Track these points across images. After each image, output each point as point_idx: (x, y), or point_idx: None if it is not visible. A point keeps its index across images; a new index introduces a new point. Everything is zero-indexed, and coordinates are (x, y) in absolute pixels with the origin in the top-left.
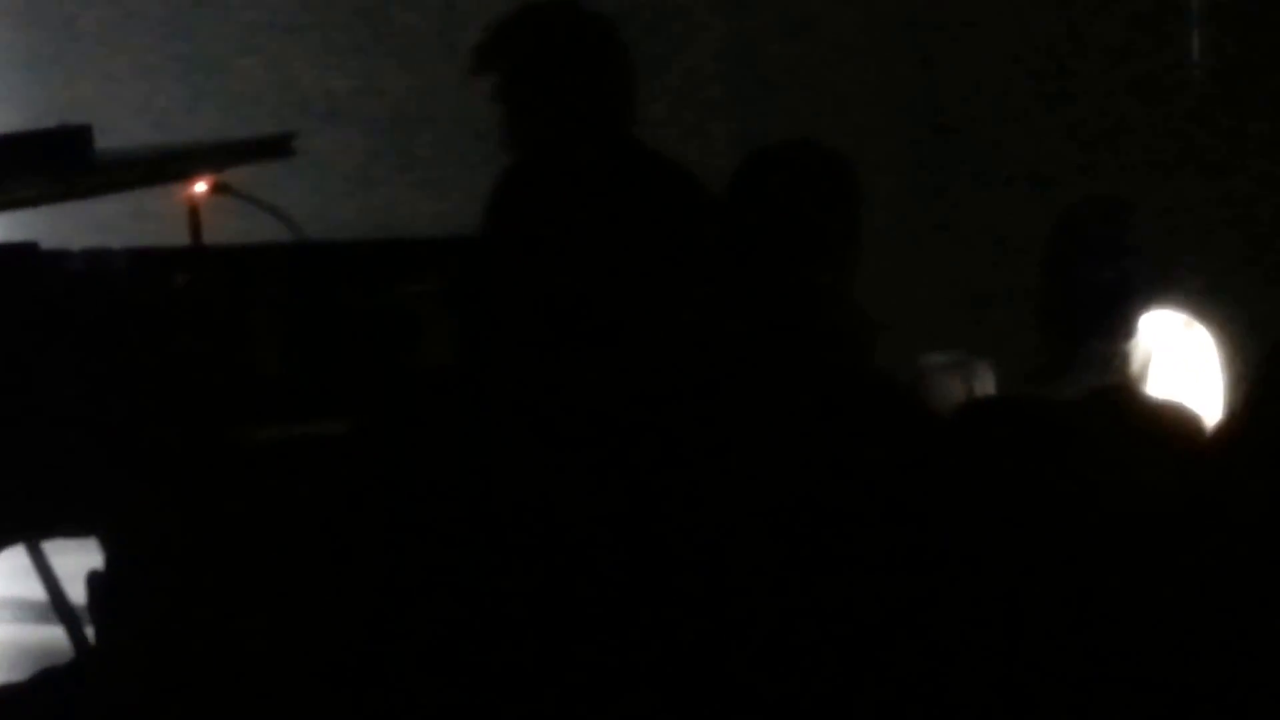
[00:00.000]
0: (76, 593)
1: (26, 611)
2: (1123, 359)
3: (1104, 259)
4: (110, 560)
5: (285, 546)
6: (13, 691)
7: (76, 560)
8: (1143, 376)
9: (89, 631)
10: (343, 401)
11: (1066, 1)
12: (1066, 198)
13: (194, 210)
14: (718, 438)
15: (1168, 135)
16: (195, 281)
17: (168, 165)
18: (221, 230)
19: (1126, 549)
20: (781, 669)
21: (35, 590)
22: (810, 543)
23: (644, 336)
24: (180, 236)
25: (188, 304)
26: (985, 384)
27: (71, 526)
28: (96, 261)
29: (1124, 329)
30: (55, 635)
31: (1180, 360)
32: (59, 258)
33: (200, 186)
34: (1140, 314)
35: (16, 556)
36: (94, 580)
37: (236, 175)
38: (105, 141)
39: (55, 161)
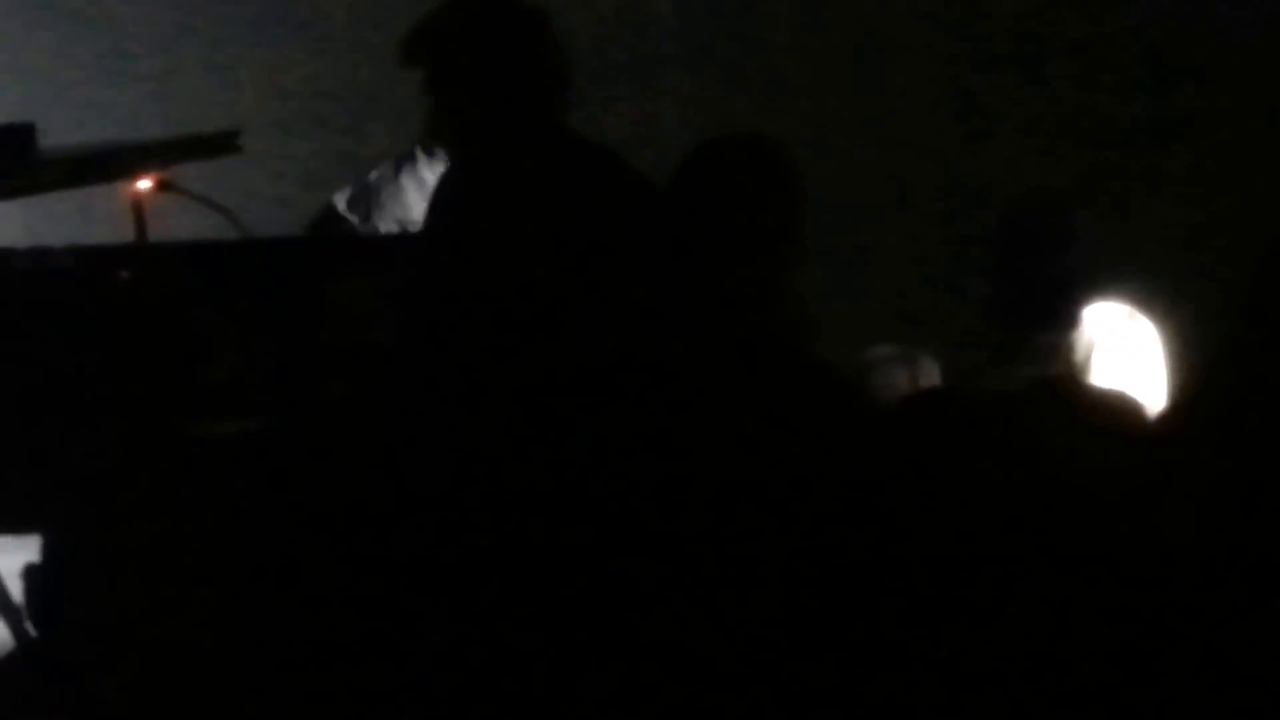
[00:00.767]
0: (15, 589)
1: None
2: (1067, 350)
3: (1048, 251)
4: (47, 555)
5: (224, 541)
6: None
7: (14, 559)
8: (1087, 367)
9: (28, 626)
10: (287, 397)
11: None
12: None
13: (139, 208)
14: (661, 430)
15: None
16: (139, 278)
17: (112, 163)
18: (169, 228)
19: (1070, 537)
20: (718, 655)
21: None
22: (754, 533)
23: (585, 331)
24: (125, 234)
25: (132, 301)
26: (929, 376)
27: (10, 524)
28: (40, 260)
29: (1068, 320)
30: None
31: (1123, 350)
32: (2, 256)
33: (145, 184)
34: (1084, 305)
35: None
36: (31, 575)
37: (185, 172)
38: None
39: None
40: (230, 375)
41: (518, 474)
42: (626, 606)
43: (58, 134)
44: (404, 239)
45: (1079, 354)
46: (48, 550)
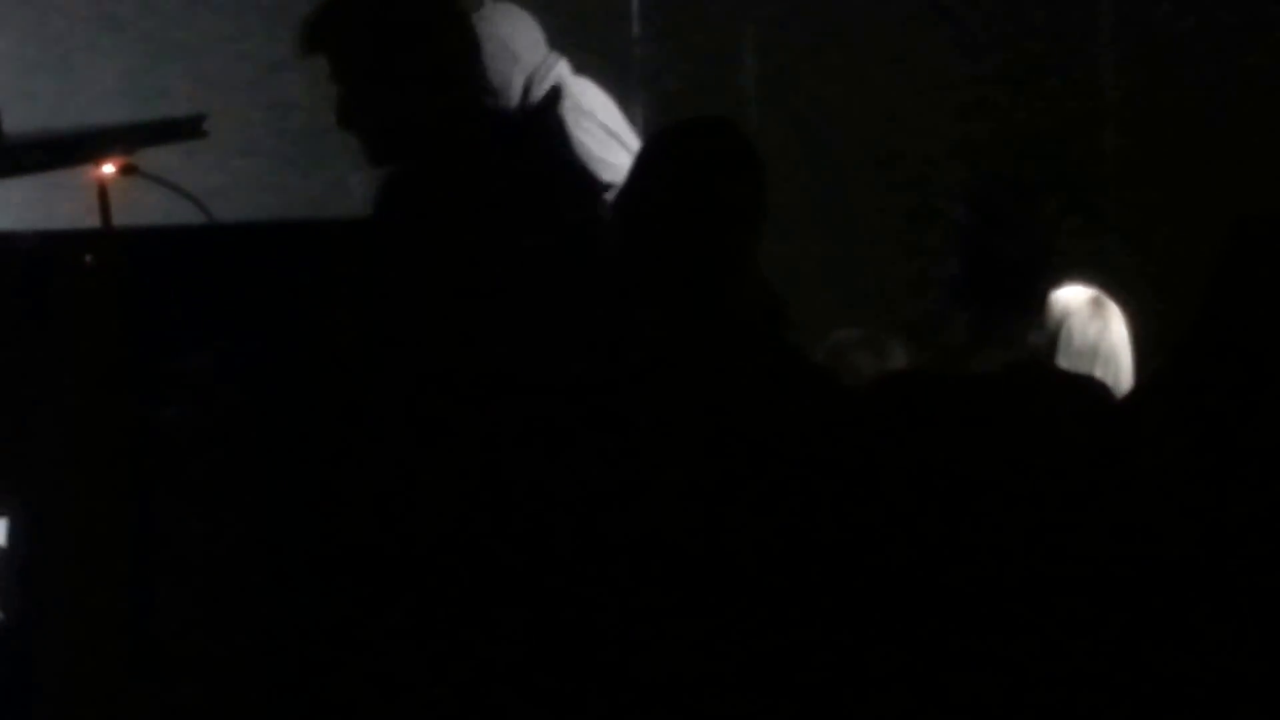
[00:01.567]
0: None
1: None
2: (1033, 333)
3: (1012, 234)
4: (11, 537)
5: (190, 530)
6: None
7: None
8: (1052, 350)
9: None
10: (248, 381)
11: None
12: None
13: (103, 192)
14: (627, 415)
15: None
16: (104, 263)
17: (76, 148)
18: (136, 212)
19: (1036, 518)
20: (689, 642)
21: None
22: (724, 515)
23: (545, 321)
24: (91, 219)
25: (98, 285)
26: (896, 359)
27: None
28: (3, 244)
29: (1034, 303)
30: None
31: (1089, 334)
32: None
33: (109, 169)
34: (1049, 288)
35: None
36: None
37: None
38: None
39: None
40: (198, 362)
41: (482, 468)
42: (599, 593)
43: (19, 118)
44: (361, 224)
45: (1045, 338)
46: (11, 534)
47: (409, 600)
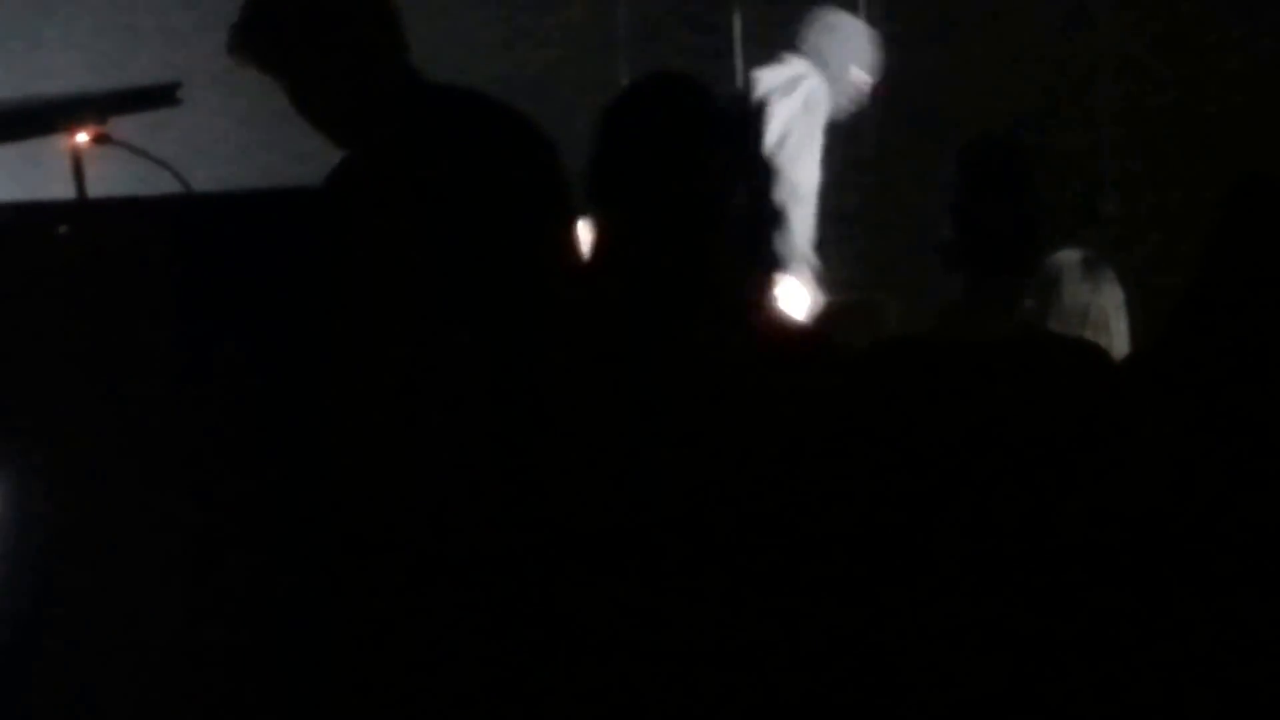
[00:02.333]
0: None
1: None
2: (1027, 296)
3: (1006, 196)
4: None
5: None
6: None
7: None
8: (1044, 312)
9: None
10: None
11: None
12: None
13: (77, 161)
14: (615, 392)
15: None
16: (79, 234)
17: (47, 116)
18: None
19: (1028, 484)
20: (682, 618)
21: None
22: (716, 483)
23: (520, 298)
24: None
25: (70, 257)
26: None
27: None
28: None
29: (1027, 266)
30: None
31: (1079, 296)
32: None
33: (82, 137)
34: (1043, 250)
35: None
36: None
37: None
38: None
39: None
40: (177, 335)
41: (461, 443)
42: (580, 570)
43: None
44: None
45: (1040, 301)
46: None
47: (384, 586)
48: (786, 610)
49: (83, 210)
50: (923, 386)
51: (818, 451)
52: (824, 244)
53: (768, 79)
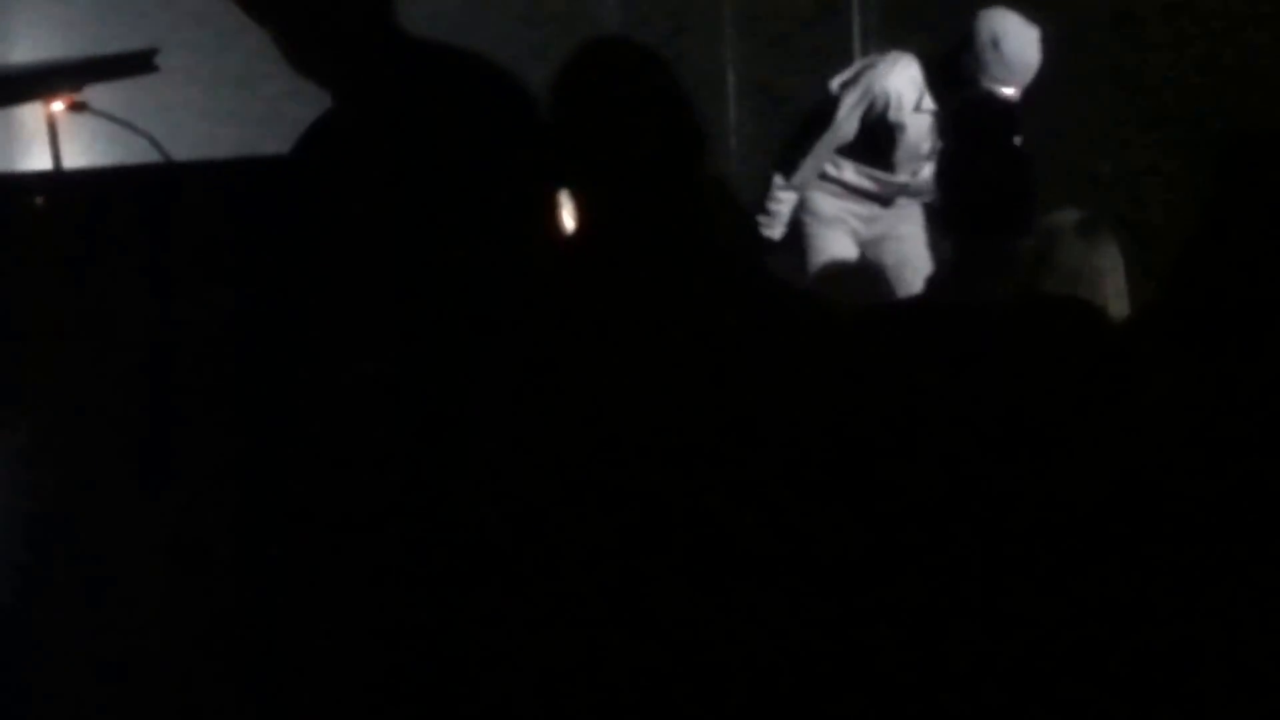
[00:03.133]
0: None
1: None
2: (1023, 256)
3: (999, 156)
4: None
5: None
6: None
7: None
8: (1038, 272)
9: None
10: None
11: None
12: None
13: (53, 129)
14: (602, 355)
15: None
16: (53, 203)
17: (21, 84)
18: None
19: (1028, 444)
20: (660, 586)
21: None
22: (711, 449)
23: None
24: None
25: (46, 226)
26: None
27: None
28: None
29: (1021, 226)
30: None
31: (1073, 256)
32: None
33: (58, 106)
34: (1036, 212)
35: None
36: None
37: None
38: None
39: None
40: (158, 307)
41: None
42: (564, 545)
43: None
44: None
45: (1036, 261)
46: None
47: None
48: (786, 583)
49: (58, 180)
50: (917, 349)
51: (813, 417)
52: None
53: None
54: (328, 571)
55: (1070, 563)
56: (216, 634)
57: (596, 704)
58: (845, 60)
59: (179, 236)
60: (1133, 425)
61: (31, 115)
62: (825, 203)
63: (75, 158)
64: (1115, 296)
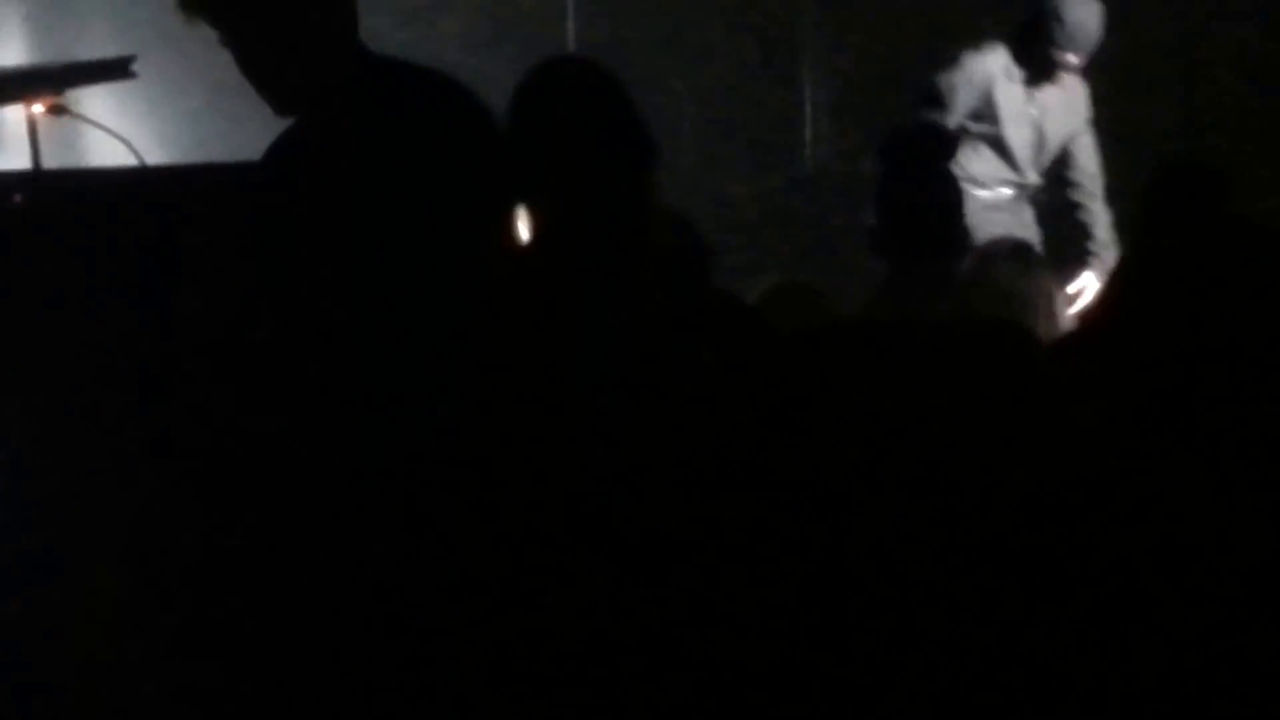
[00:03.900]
0: None
1: None
2: (954, 280)
3: (931, 182)
4: None
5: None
6: None
7: None
8: (970, 296)
9: None
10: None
11: None
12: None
13: (33, 132)
14: (557, 374)
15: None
16: (33, 205)
17: (3, 87)
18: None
19: (963, 466)
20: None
21: None
22: (654, 467)
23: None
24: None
25: (26, 227)
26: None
27: None
28: None
29: (950, 249)
30: None
31: (1006, 281)
32: None
33: (38, 109)
34: (965, 235)
35: None
36: None
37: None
38: None
39: None
40: (137, 310)
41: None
42: (537, 554)
43: None
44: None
45: (967, 285)
46: None
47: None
48: (734, 592)
49: (38, 180)
50: (852, 369)
51: (753, 434)
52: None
53: None
54: (313, 575)
55: (998, 582)
56: (210, 636)
57: (567, 707)
58: None
59: (152, 239)
60: (1058, 445)
61: (13, 117)
62: None
63: (55, 160)
64: (1046, 320)
